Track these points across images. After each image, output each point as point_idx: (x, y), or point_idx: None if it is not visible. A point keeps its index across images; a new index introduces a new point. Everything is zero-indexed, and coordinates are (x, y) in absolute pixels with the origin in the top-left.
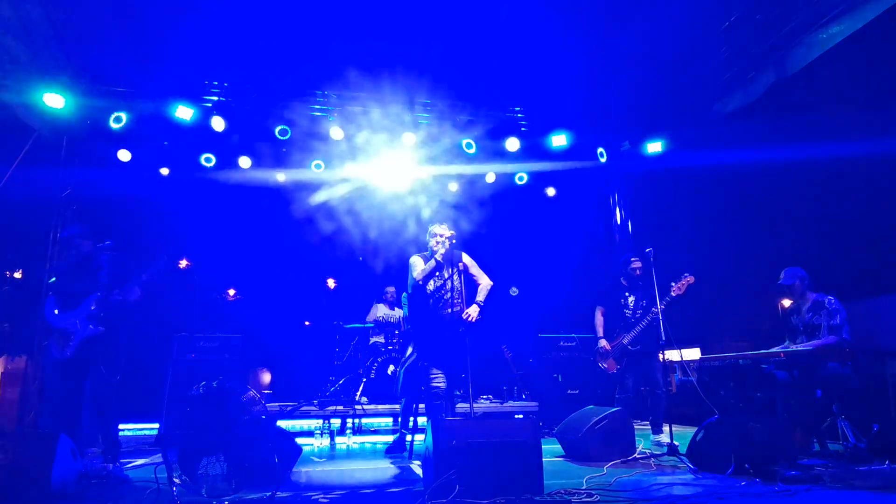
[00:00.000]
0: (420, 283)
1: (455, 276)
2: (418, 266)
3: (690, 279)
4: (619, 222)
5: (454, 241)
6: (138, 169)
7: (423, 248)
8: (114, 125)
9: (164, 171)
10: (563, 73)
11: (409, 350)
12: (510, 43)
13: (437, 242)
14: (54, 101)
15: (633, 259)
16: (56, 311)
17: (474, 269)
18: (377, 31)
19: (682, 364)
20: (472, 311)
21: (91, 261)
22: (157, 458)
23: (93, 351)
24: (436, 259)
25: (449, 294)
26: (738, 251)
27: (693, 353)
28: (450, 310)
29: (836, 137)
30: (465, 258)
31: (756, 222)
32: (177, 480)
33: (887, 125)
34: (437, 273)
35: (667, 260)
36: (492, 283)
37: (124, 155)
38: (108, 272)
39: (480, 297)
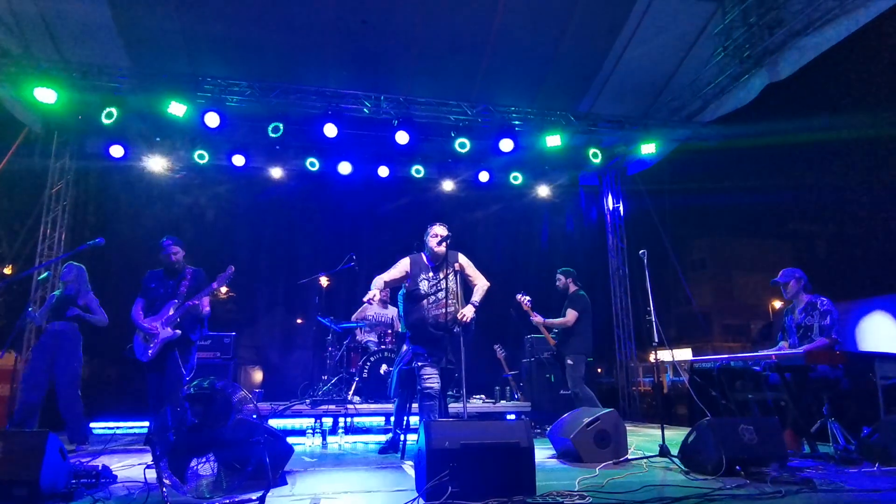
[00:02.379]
0: (408, 283)
1: (450, 277)
2: (392, 269)
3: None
4: (612, 223)
5: (449, 242)
6: (130, 164)
7: (419, 248)
8: (105, 121)
9: (157, 167)
10: (556, 74)
11: (404, 349)
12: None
13: (435, 243)
14: (46, 95)
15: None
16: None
17: (470, 270)
18: None
19: (674, 364)
20: (468, 312)
21: (178, 270)
22: (147, 457)
23: (169, 352)
24: (411, 264)
25: (444, 294)
26: (729, 253)
27: (685, 354)
28: (444, 310)
29: (827, 140)
30: (462, 259)
31: (744, 225)
32: (166, 481)
33: (878, 128)
34: (432, 273)
35: (657, 261)
36: (488, 283)
37: (117, 150)
38: (188, 283)
39: (476, 297)
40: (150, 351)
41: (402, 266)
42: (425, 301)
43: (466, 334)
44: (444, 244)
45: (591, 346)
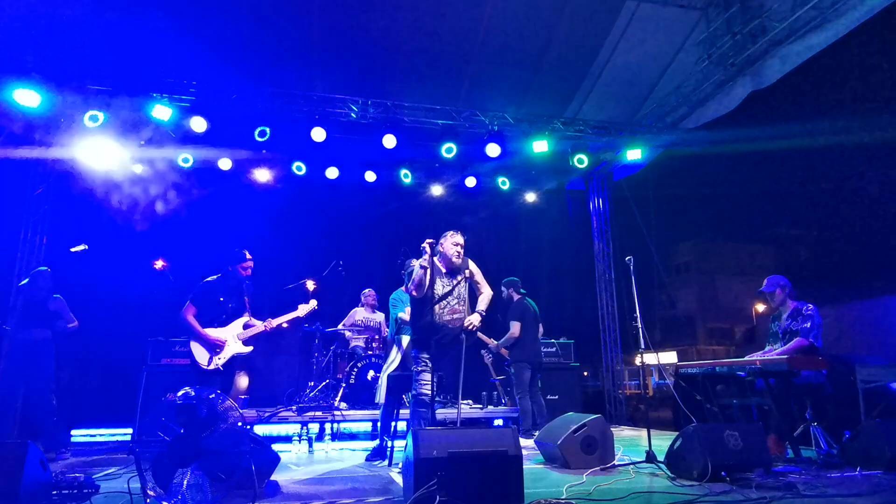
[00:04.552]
0: (415, 292)
1: (462, 284)
2: (414, 274)
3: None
4: (598, 228)
5: (461, 249)
6: (113, 167)
7: (407, 254)
8: (89, 123)
9: (139, 170)
10: (543, 80)
11: (393, 355)
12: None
13: (455, 252)
14: (28, 98)
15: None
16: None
17: (478, 278)
18: None
19: (659, 368)
20: (474, 320)
21: (242, 288)
22: (131, 467)
23: (236, 364)
24: (421, 265)
25: (455, 301)
26: (713, 258)
27: (669, 357)
28: (454, 316)
29: (809, 146)
30: (472, 266)
31: (728, 229)
32: (151, 493)
33: (858, 135)
34: (446, 279)
35: (642, 265)
36: (492, 292)
37: (101, 153)
38: (249, 301)
39: (482, 306)
40: (219, 361)
41: (416, 268)
42: (437, 306)
43: (467, 342)
44: (461, 252)
45: (533, 353)
